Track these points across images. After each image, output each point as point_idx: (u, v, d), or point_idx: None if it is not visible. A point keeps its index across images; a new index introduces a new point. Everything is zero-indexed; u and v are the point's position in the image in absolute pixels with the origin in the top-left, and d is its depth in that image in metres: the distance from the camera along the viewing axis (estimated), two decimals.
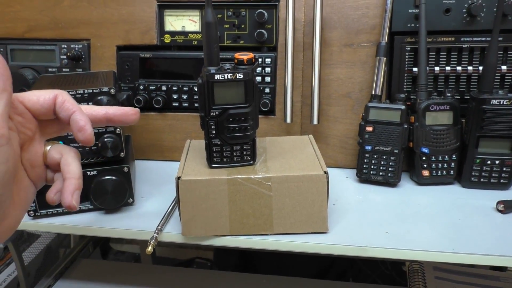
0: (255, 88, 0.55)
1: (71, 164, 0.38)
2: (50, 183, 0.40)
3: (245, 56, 0.54)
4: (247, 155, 0.58)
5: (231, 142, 0.57)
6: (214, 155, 0.57)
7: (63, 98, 0.38)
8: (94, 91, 0.59)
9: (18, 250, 0.89)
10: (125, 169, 0.62)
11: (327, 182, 0.55)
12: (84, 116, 0.38)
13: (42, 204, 0.62)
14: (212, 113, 0.55)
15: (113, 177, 0.61)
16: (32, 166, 0.38)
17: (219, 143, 0.57)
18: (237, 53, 0.55)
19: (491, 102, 0.64)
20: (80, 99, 0.60)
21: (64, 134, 0.42)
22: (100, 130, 0.61)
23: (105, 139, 0.61)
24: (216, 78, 0.53)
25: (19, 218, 0.37)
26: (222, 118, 0.55)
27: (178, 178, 0.55)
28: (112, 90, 0.60)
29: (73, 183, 0.38)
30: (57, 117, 0.38)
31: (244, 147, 0.57)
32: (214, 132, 0.56)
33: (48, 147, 0.39)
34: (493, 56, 0.64)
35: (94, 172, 0.62)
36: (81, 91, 0.59)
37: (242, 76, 0.53)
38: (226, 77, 0.53)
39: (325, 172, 0.55)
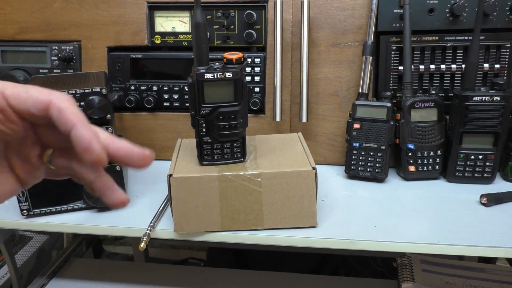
0: (244, 87, 0.56)
1: (88, 172, 0.32)
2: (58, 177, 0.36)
3: (234, 55, 0.55)
4: (237, 152, 0.59)
5: (221, 140, 0.58)
6: (205, 152, 0.58)
7: (59, 107, 0.29)
8: (86, 91, 0.60)
9: (11, 252, 0.89)
10: (117, 168, 0.63)
11: (316, 177, 0.57)
12: (87, 130, 0.29)
13: (35, 204, 0.62)
14: (202, 111, 0.56)
15: None
16: (23, 161, 0.34)
17: (209, 140, 0.58)
18: (226, 52, 0.56)
19: (474, 99, 0.66)
20: None
21: None
22: None
23: None
24: (205, 77, 0.54)
25: None
26: (212, 116, 0.56)
27: (170, 175, 0.56)
28: (104, 90, 0.61)
29: (105, 179, 0.33)
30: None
31: (234, 144, 0.59)
32: (204, 130, 0.57)
33: (49, 152, 0.34)
34: (474, 54, 0.66)
35: None
36: (73, 91, 0.60)
37: (231, 75, 0.55)
38: (215, 76, 0.54)
39: (314, 168, 0.57)
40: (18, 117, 0.31)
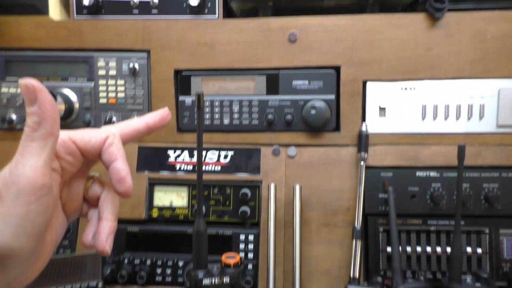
0: None
1: (110, 203, 0.37)
2: (83, 217, 0.40)
3: (231, 259, 0.58)
4: None
5: None
6: None
7: (110, 141, 0.37)
8: (82, 285, 0.60)
9: None
10: None
11: None
12: (125, 166, 0.36)
13: None
14: None
15: None
16: (72, 199, 0.38)
17: None
18: (224, 255, 0.59)
19: None
20: None
21: None
22: None
23: None
24: (204, 283, 0.55)
25: (47, 258, 0.35)
26: None
27: None
28: (100, 284, 0.61)
29: (109, 226, 0.37)
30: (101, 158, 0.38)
31: None
32: None
33: (90, 181, 0.39)
34: (458, 249, 0.68)
35: None
36: (69, 286, 0.60)
37: (229, 280, 0.56)
38: (213, 282, 0.56)
39: None
40: (82, 156, 0.37)
